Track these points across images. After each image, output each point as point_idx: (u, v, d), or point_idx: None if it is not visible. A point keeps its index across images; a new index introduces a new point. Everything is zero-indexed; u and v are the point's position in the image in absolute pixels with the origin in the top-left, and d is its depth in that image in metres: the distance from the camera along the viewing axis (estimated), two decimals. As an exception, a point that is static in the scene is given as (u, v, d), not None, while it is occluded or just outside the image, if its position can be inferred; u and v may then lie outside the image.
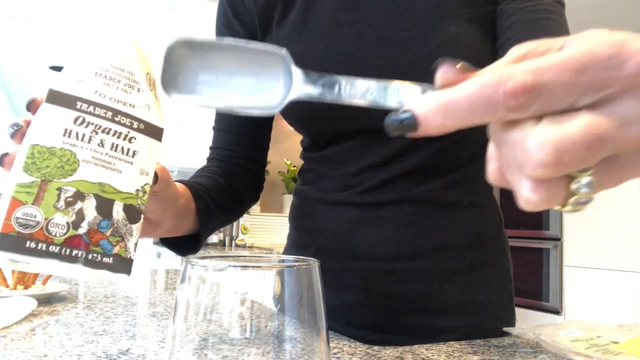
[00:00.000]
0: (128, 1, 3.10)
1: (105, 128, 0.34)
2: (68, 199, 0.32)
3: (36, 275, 0.84)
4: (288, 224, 0.81)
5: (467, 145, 0.67)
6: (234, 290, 0.27)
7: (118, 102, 0.35)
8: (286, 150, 3.87)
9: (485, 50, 0.62)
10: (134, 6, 3.14)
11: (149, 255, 3.06)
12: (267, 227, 3.45)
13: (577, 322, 0.63)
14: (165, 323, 0.66)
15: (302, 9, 0.66)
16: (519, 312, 3.18)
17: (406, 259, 0.65)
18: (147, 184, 0.36)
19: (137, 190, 0.36)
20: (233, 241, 3.11)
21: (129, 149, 0.35)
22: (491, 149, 0.24)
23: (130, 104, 0.36)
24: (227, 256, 0.32)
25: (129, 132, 0.35)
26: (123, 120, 0.35)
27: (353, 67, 0.62)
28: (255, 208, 3.51)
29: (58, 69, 4.60)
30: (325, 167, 0.71)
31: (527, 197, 0.21)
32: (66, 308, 0.74)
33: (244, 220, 3.15)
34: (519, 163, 0.21)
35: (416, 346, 0.57)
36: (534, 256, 3.63)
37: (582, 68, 0.19)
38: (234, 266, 0.27)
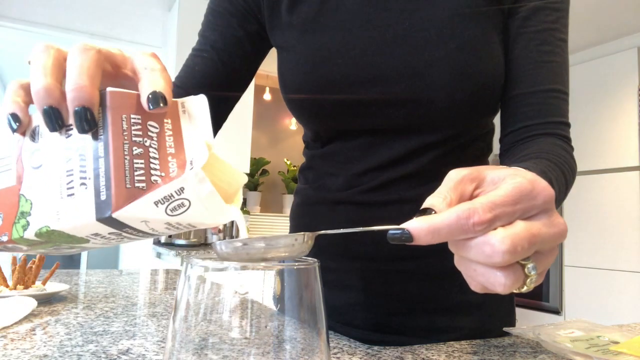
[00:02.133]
0: (128, 1, 3.10)
1: (129, 236, 0.32)
2: (56, 247, 0.33)
3: (36, 275, 0.84)
4: (288, 224, 0.81)
5: (470, 148, 0.67)
6: (234, 290, 0.27)
7: (163, 234, 0.33)
8: (286, 150, 3.87)
9: (499, 55, 0.62)
10: (134, 6, 3.14)
11: (149, 255, 3.06)
12: (267, 227, 3.45)
13: (577, 322, 0.63)
14: (165, 323, 0.66)
15: (317, 0, 0.65)
16: (519, 312, 3.17)
17: (406, 259, 0.65)
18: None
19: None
20: (233, 241, 3.11)
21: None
22: (457, 261, 0.35)
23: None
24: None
25: (140, 238, 0.34)
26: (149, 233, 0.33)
27: (367, 65, 0.62)
28: (255, 208, 3.51)
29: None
30: (328, 166, 0.71)
31: (504, 282, 0.31)
32: (66, 308, 0.74)
33: (244, 220, 3.15)
34: (488, 255, 0.30)
35: (416, 346, 0.57)
36: (534, 256, 3.62)
37: (517, 200, 0.31)
38: (234, 266, 0.27)
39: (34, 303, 0.69)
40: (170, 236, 2.96)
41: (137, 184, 0.28)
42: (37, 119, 0.33)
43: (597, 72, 3.35)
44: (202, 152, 0.30)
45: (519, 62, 0.63)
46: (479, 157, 0.70)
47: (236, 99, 0.75)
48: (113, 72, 0.34)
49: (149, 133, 0.30)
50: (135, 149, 0.29)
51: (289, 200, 3.66)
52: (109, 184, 0.28)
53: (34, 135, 0.32)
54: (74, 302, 0.80)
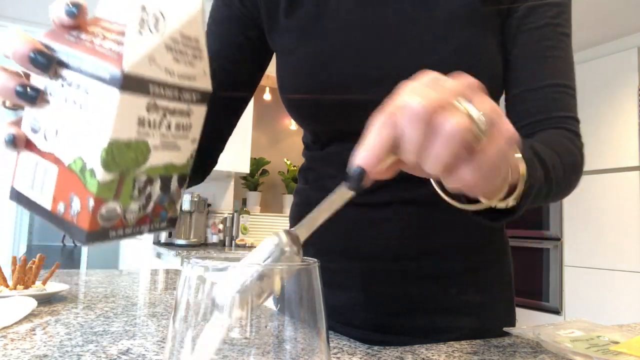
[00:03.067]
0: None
1: (173, 109, 0.33)
2: (140, 187, 0.33)
3: (36, 275, 0.84)
4: (288, 224, 0.81)
5: None
6: (234, 290, 0.27)
7: (184, 77, 0.34)
8: (286, 150, 3.87)
9: (497, 56, 0.62)
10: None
11: (149, 255, 3.06)
12: (267, 227, 3.45)
13: (577, 322, 0.63)
14: (165, 323, 0.66)
15: (315, 3, 0.65)
16: (519, 312, 3.17)
17: (407, 260, 0.65)
18: (194, 149, 0.37)
19: (188, 159, 0.37)
20: (233, 241, 3.11)
21: (188, 124, 0.35)
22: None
23: (193, 77, 0.35)
24: (227, 257, 0.32)
25: (189, 107, 0.35)
26: (187, 96, 0.34)
27: (365, 67, 0.62)
28: (255, 208, 3.51)
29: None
30: (327, 167, 0.71)
31: (451, 122, 0.29)
32: (66, 308, 0.74)
33: (244, 220, 3.15)
34: (406, 109, 0.31)
35: (416, 346, 0.57)
36: (534, 256, 3.63)
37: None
38: (234, 266, 0.27)
39: (34, 303, 0.69)
40: (170, 236, 2.96)
41: (117, 49, 0.30)
42: (26, 118, 0.34)
43: (597, 72, 3.35)
44: None
45: (520, 60, 0.63)
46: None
47: (243, 107, 0.74)
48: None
49: (90, 31, 0.32)
50: (95, 40, 0.31)
51: (289, 200, 3.66)
52: (100, 66, 0.29)
53: (34, 129, 0.34)
54: (74, 302, 0.80)
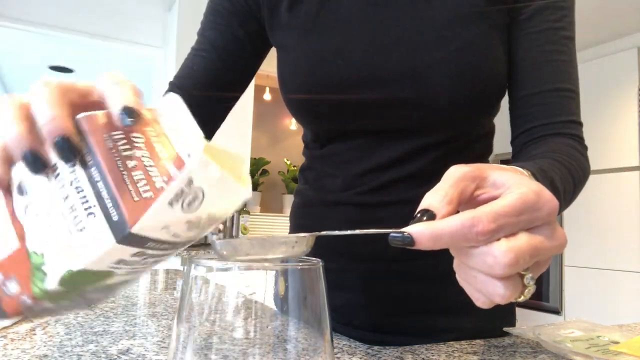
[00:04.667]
0: (128, 1, 3.10)
1: (160, 255, 0.30)
2: (82, 294, 0.31)
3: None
4: (288, 224, 0.81)
5: (470, 149, 0.67)
6: (239, 290, 0.27)
7: (188, 238, 0.31)
8: (286, 150, 3.87)
9: (500, 56, 0.62)
10: (134, 6, 3.14)
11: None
12: (267, 227, 3.45)
13: (577, 322, 0.63)
14: (166, 323, 0.66)
15: (317, 1, 0.65)
16: (519, 312, 3.18)
17: (407, 260, 0.65)
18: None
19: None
20: (233, 241, 3.11)
21: (166, 255, 0.32)
22: (456, 265, 0.35)
23: (197, 236, 0.31)
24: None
25: (166, 253, 0.32)
26: (180, 246, 0.31)
27: (366, 66, 0.61)
28: (255, 208, 3.51)
29: (58, 69, 4.60)
30: (328, 166, 0.71)
31: (503, 292, 0.31)
32: (66, 308, 0.74)
33: (244, 220, 3.15)
34: (490, 266, 0.30)
35: (416, 346, 0.57)
36: (534, 256, 3.62)
37: (521, 211, 0.30)
38: (239, 266, 0.27)
39: (34, 303, 0.69)
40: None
41: (144, 195, 0.27)
42: (19, 173, 0.30)
43: (597, 72, 3.35)
44: (196, 142, 0.28)
45: (523, 64, 0.63)
46: (479, 158, 0.70)
47: (235, 99, 0.75)
48: (81, 102, 0.32)
49: (136, 144, 0.29)
50: (129, 162, 0.28)
51: (289, 200, 3.66)
52: (116, 203, 0.27)
53: (21, 190, 0.30)
54: (74, 302, 0.80)
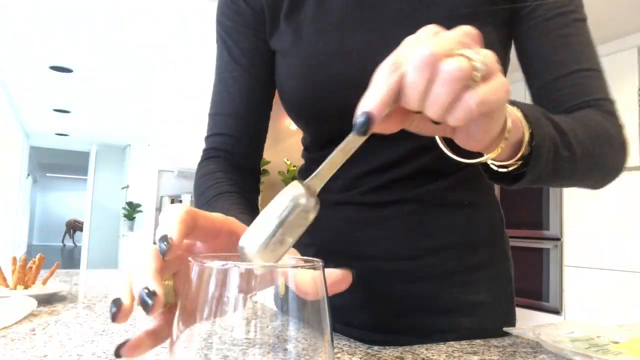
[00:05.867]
0: (128, 1, 3.10)
1: None
2: None
3: (36, 275, 0.84)
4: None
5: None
6: (242, 292, 0.27)
7: None
8: (286, 150, 3.87)
9: (500, 53, 0.62)
10: (134, 6, 3.14)
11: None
12: (267, 227, 3.45)
13: (577, 322, 0.63)
14: (166, 323, 0.66)
15: (314, 4, 0.65)
16: (519, 312, 3.18)
17: (407, 259, 0.65)
18: None
19: None
20: (233, 241, 3.11)
21: None
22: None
23: None
24: (231, 255, 0.32)
25: None
26: None
27: (365, 68, 0.61)
28: (255, 208, 3.51)
29: (58, 69, 4.60)
30: None
31: (450, 68, 0.30)
32: (66, 308, 0.74)
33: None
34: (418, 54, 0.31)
35: (416, 346, 0.57)
36: (534, 256, 3.63)
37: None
38: (239, 266, 0.27)
39: (34, 303, 0.69)
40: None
41: None
42: None
43: (597, 72, 3.35)
44: None
45: (538, 53, 0.61)
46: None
47: (271, 103, 0.75)
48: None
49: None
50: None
51: (289, 200, 3.65)
52: None
53: None
54: (74, 302, 0.80)
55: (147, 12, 3.18)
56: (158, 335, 0.33)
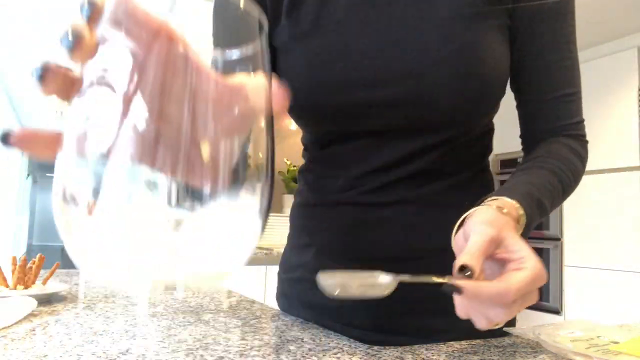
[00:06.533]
0: (128, 1, 3.10)
1: None
2: None
3: (36, 275, 0.84)
4: (288, 224, 0.81)
5: (470, 149, 0.67)
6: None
7: None
8: (286, 150, 3.87)
9: (501, 56, 0.62)
10: (134, 6, 3.14)
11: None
12: (267, 227, 3.44)
13: (577, 322, 0.63)
14: (165, 323, 0.66)
15: (316, 3, 0.64)
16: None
17: (407, 260, 0.65)
18: None
19: None
20: (233, 241, 3.10)
21: None
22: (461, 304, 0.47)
23: None
24: None
25: None
26: None
27: (367, 67, 0.61)
28: (255, 208, 3.50)
29: (58, 69, 4.60)
30: (328, 168, 0.71)
31: (502, 317, 0.45)
32: (66, 308, 0.74)
33: (244, 220, 3.14)
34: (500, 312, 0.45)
35: (416, 346, 0.57)
36: (534, 256, 3.62)
37: (531, 285, 0.43)
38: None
39: (34, 303, 0.69)
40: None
41: None
42: None
43: (597, 72, 3.35)
44: None
45: (532, 70, 0.66)
46: (479, 157, 0.70)
47: None
48: None
49: None
50: None
51: (289, 200, 3.65)
52: None
53: None
54: (74, 302, 0.80)
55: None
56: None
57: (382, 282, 0.45)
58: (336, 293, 0.45)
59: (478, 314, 0.45)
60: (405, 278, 0.47)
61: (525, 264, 0.44)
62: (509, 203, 0.52)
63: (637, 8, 2.87)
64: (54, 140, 0.25)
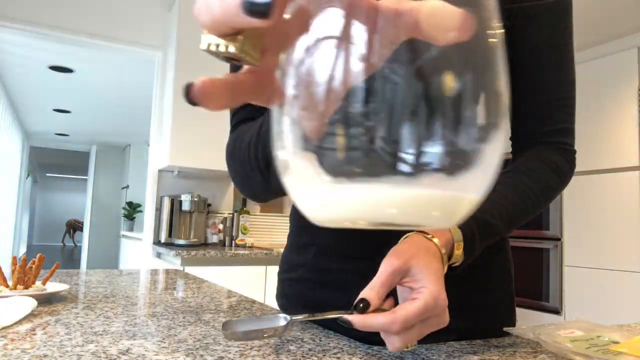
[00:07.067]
0: (128, 1, 3.10)
1: None
2: None
3: (36, 275, 0.84)
4: (288, 224, 0.81)
5: None
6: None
7: None
8: (286, 150, 3.87)
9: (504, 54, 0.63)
10: (134, 6, 3.13)
11: (148, 255, 3.06)
12: (267, 227, 3.45)
13: (577, 322, 0.63)
14: (165, 323, 0.66)
15: None
16: (519, 312, 3.17)
17: (406, 259, 0.65)
18: None
19: None
20: (233, 241, 3.11)
21: None
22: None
23: None
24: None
25: None
26: None
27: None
28: (255, 208, 3.51)
29: (58, 69, 4.60)
30: None
31: (397, 345, 0.47)
32: (66, 308, 0.74)
33: (244, 220, 3.15)
34: (390, 343, 0.48)
35: (416, 346, 0.57)
36: (534, 256, 3.63)
37: (423, 314, 0.46)
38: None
39: (34, 303, 0.69)
40: (169, 235, 2.96)
41: None
42: None
43: (597, 72, 3.35)
44: None
45: (523, 76, 0.65)
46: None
47: None
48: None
49: None
50: None
51: (288, 200, 3.65)
52: None
53: None
54: (74, 302, 0.80)
55: (147, 12, 3.18)
56: (236, 90, 0.26)
57: (279, 326, 0.51)
58: (236, 341, 0.55)
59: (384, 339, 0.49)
60: (299, 317, 0.52)
61: (420, 294, 0.46)
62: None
63: (637, 8, 2.87)
64: (231, 87, 0.25)
